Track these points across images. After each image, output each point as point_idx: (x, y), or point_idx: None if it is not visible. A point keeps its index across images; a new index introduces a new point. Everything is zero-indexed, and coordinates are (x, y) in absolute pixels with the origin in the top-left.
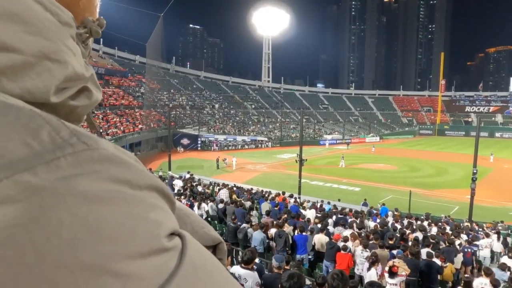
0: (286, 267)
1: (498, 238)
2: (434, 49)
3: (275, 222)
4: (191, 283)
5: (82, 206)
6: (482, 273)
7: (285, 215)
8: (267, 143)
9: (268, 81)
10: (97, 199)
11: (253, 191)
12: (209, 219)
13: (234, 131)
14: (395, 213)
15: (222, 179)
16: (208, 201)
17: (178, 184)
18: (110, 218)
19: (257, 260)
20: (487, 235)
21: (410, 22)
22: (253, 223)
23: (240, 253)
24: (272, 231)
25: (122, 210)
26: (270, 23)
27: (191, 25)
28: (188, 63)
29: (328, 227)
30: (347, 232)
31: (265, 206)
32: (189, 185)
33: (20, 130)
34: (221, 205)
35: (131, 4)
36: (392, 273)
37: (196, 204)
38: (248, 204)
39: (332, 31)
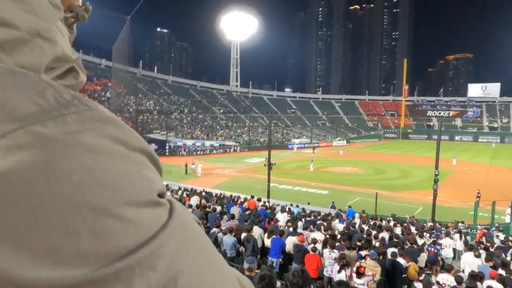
0: (257, 270)
1: (460, 237)
2: (398, 55)
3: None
4: (180, 236)
5: (87, 157)
6: (444, 270)
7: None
8: (235, 148)
9: (237, 86)
10: (99, 152)
11: (221, 196)
12: None
13: (202, 136)
14: (362, 214)
15: (191, 184)
16: None
17: None
18: (111, 170)
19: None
20: (449, 235)
21: (374, 29)
22: (222, 228)
23: None
24: (243, 235)
25: (120, 165)
26: (239, 28)
27: (158, 29)
28: (155, 67)
29: (298, 230)
30: (315, 234)
31: (235, 211)
32: None
33: (29, 91)
34: (189, 210)
35: (97, 6)
36: (359, 274)
37: None
38: (218, 208)
39: (300, 36)
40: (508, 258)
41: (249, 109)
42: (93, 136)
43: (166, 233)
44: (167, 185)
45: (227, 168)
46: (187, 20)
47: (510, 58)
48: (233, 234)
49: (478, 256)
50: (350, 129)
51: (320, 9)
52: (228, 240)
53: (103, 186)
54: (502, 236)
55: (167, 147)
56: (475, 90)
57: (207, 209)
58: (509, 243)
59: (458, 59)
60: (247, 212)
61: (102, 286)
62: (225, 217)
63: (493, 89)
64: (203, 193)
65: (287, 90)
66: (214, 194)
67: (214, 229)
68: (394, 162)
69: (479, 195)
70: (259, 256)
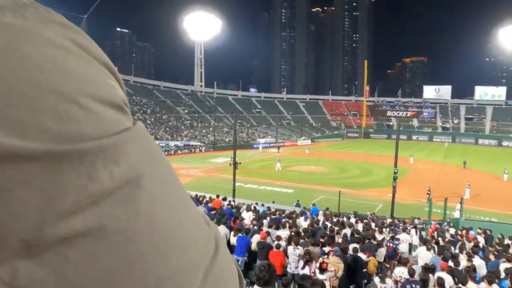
0: None
1: (416, 233)
2: (359, 57)
3: None
4: (143, 145)
5: (49, 49)
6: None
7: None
8: (200, 148)
9: (201, 86)
10: (61, 48)
11: None
12: None
13: (166, 137)
14: (326, 212)
15: None
16: None
17: None
18: (74, 65)
19: None
20: (406, 230)
21: (336, 31)
22: None
23: None
24: None
25: (84, 65)
26: (202, 28)
27: (118, 29)
28: (116, 67)
29: (263, 228)
30: (280, 232)
31: (200, 210)
32: None
33: None
34: None
35: (50, 4)
36: (322, 269)
37: None
38: None
39: (264, 37)
40: (457, 251)
41: (214, 109)
42: (54, 33)
43: (129, 135)
44: None
45: (192, 168)
46: (149, 20)
47: (459, 63)
48: None
49: (430, 249)
50: (315, 129)
51: (283, 10)
52: None
53: (67, 76)
54: (452, 231)
55: None
56: (429, 92)
57: None
58: (458, 237)
59: (414, 61)
60: (213, 212)
61: (66, 164)
62: None
63: (445, 91)
64: None
65: (252, 90)
66: None
67: None
68: (357, 161)
69: (429, 192)
70: None
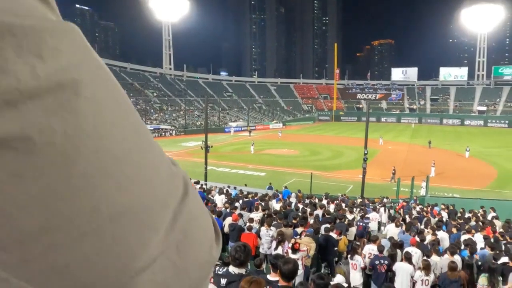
0: None
1: (385, 211)
2: (328, 40)
3: None
4: (78, 43)
5: None
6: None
7: None
8: (171, 132)
9: (170, 69)
10: None
11: None
12: None
13: None
14: (298, 194)
15: None
16: None
17: None
18: None
19: None
20: (375, 209)
21: (306, 14)
22: None
23: None
24: None
25: None
26: (169, 8)
27: (78, 6)
28: None
29: (236, 211)
30: (253, 214)
31: None
32: None
33: None
34: None
35: None
36: (295, 249)
37: None
38: None
39: (234, 19)
40: (422, 227)
41: (184, 93)
42: None
43: (57, 27)
44: None
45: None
46: None
47: (425, 44)
48: None
49: (399, 226)
50: (286, 112)
51: None
52: None
53: None
54: (418, 208)
55: None
56: (397, 74)
57: None
58: (424, 213)
59: (382, 44)
60: None
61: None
62: None
63: (412, 73)
64: None
65: (223, 73)
66: None
67: None
68: (328, 143)
69: (394, 171)
70: None
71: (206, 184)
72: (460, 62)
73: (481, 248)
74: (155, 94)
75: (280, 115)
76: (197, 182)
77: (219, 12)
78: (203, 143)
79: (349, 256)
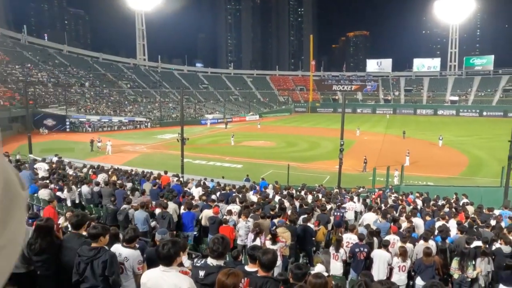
0: None
1: (358, 200)
2: (304, 31)
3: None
4: None
5: None
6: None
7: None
8: (146, 124)
9: (144, 60)
10: None
11: (133, 172)
12: (83, 203)
13: (109, 112)
14: (276, 185)
15: (98, 161)
16: (81, 185)
17: (42, 167)
18: None
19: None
20: (352, 199)
21: (282, 5)
22: (133, 203)
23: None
24: (157, 211)
25: None
26: None
27: None
28: (45, 35)
29: (214, 203)
30: (231, 206)
31: (146, 186)
32: (57, 169)
33: None
34: (97, 188)
35: None
36: (273, 240)
37: (65, 188)
38: (129, 185)
39: (209, 10)
40: (397, 215)
41: (159, 84)
42: None
43: None
44: (69, 162)
45: (138, 144)
46: None
47: (399, 36)
48: (145, 208)
49: (376, 214)
50: (262, 104)
51: None
52: (139, 215)
53: None
54: (393, 196)
55: (67, 123)
56: (372, 65)
57: (118, 185)
58: (399, 202)
59: (357, 36)
60: (155, 187)
61: None
62: (137, 193)
63: (386, 65)
64: (111, 171)
65: (198, 65)
66: (124, 171)
67: (125, 206)
68: (304, 134)
69: (365, 161)
70: (174, 231)
71: (183, 177)
72: (433, 53)
73: (456, 234)
74: (129, 85)
75: (257, 107)
76: (176, 175)
77: (194, 2)
78: (179, 135)
79: (334, 247)
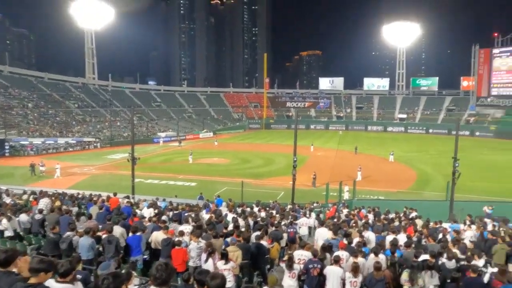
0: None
1: (310, 215)
2: (258, 50)
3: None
4: None
5: None
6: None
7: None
8: (95, 144)
9: (94, 78)
10: None
11: (79, 196)
12: (21, 233)
13: (54, 133)
14: (229, 203)
15: (41, 186)
16: (20, 214)
17: None
18: None
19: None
20: (305, 214)
21: (236, 24)
22: (78, 230)
23: None
24: (104, 236)
25: None
26: (92, 16)
27: None
28: None
29: (166, 224)
30: (183, 227)
31: (94, 210)
32: None
33: None
34: (39, 216)
35: None
36: (226, 260)
37: (3, 218)
38: (75, 210)
39: (163, 28)
40: (350, 230)
41: (109, 103)
42: None
43: None
44: (6, 190)
45: (86, 166)
46: (24, 3)
47: (350, 56)
48: (91, 234)
49: (329, 230)
50: (216, 121)
51: (182, 1)
52: (84, 242)
53: None
54: (346, 211)
55: (6, 147)
56: (324, 83)
57: (63, 211)
58: (351, 216)
59: (310, 55)
60: (102, 211)
61: None
62: (83, 218)
63: (338, 83)
64: (54, 196)
65: (151, 83)
66: (69, 195)
67: (69, 233)
68: (259, 151)
69: (314, 176)
70: (121, 255)
71: (133, 198)
72: (382, 73)
73: (404, 247)
74: (76, 105)
75: (211, 124)
76: (127, 197)
77: (147, 20)
78: (130, 155)
79: (286, 266)
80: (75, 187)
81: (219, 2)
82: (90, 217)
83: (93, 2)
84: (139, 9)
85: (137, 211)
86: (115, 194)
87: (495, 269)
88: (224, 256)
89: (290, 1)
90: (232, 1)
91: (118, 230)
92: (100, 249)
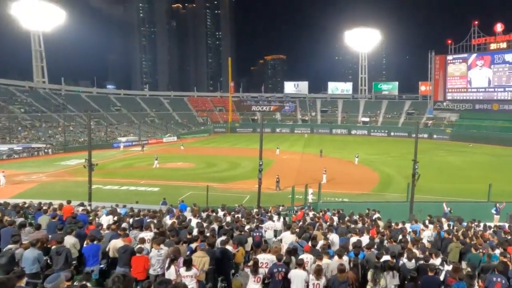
0: (68, 283)
1: (278, 219)
2: (223, 54)
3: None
4: None
5: None
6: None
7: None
8: (46, 150)
9: (44, 82)
10: None
11: (26, 205)
12: None
13: None
14: (194, 208)
15: None
16: None
17: None
18: None
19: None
20: (271, 218)
21: (199, 28)
22: (24, 241)
23: None
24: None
25: None
26: (39, 18)
27: None
28: None
29: (126, 231)
30: (144, 234)
31: (44, 220)
32: None
33: None
34: None
35: None
36: (189, 266)
37: None
38: (19, 221)
39: (121, 32)
40: (315, 232)
41: (63, 108)
42: None
43: None
44: None
45: (35, 173)
46: None
47: (314, 60)
48: (38, 246)
49: (294, 233)
50: (180, 125)
51: (141, 4)
52: (29, 254)
53: None
54: (311, 214)
55: None
56: (289, 87)
57: (5, 223)
58: (316, 219)
59: (275, 59)
60: (54, 220)
61: None
62: (28, 229)
63: (303, 87)
64: None
65: (110, 87)
66: (13, 205)
67: (11, 246)
68: (224, 155)
69: (278, 179)
70: (72, 267)
71: (90, 205)
72: (345, 77)
73: (366, 249)
74: (23, 110)
75: (174, 128)
76: (81, 204)
77: (104, 24)
78: (86, 160)
79: (251, 270)
80: (20, 196)
81: (180, 6)
82: (38, 227)
83: (38, 3)
84: (95, 12)
85: (96, 218)
86: (68, 202)
87: (451, 267)
88: (187, 263)
89: (254, 6)
90: (194, 5)
91: (69, 240)
92: (49, 261)
